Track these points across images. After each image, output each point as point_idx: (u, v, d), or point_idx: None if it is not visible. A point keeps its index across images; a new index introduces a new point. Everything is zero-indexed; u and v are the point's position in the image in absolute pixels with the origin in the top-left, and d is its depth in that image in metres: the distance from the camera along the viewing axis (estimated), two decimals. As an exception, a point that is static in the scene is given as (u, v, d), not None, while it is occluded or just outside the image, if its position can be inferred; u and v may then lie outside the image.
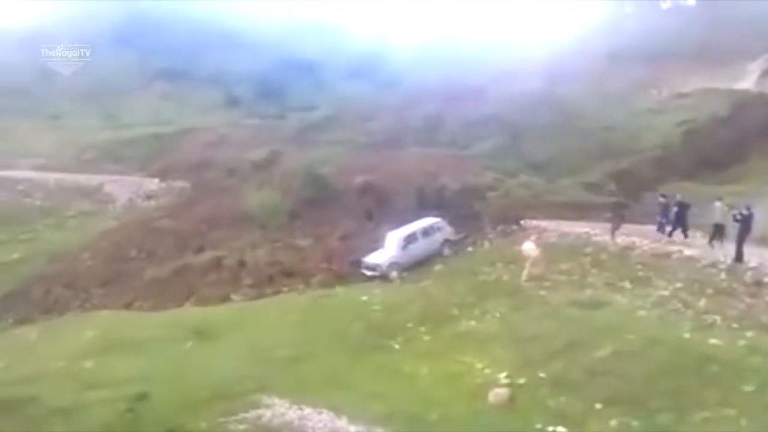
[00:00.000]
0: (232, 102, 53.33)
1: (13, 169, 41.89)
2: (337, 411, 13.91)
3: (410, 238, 24.93)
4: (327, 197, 30.05)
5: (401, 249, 24.60)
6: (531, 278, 20.28)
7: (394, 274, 24.02)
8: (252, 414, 14.04)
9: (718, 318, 16.33)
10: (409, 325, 18.47)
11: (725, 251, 19.95)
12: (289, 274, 25.85)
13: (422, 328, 18.25)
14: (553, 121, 35.43)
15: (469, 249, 25.79)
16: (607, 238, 22.82)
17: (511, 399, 14.09)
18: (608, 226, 23.37)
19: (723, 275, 18.80)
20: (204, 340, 18.22)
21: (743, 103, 38.77)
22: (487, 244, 25.85)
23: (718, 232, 20.50)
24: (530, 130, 34.96)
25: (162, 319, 20.83)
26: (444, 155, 33.41)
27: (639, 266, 20.37)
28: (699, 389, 13.31)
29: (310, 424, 13.64)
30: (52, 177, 40.99)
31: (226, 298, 24.26)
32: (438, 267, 24.29)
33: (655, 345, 14.89)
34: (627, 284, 19.18)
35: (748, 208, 19.39)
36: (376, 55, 49.73)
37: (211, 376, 15.71)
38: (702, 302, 17.24)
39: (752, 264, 18.97)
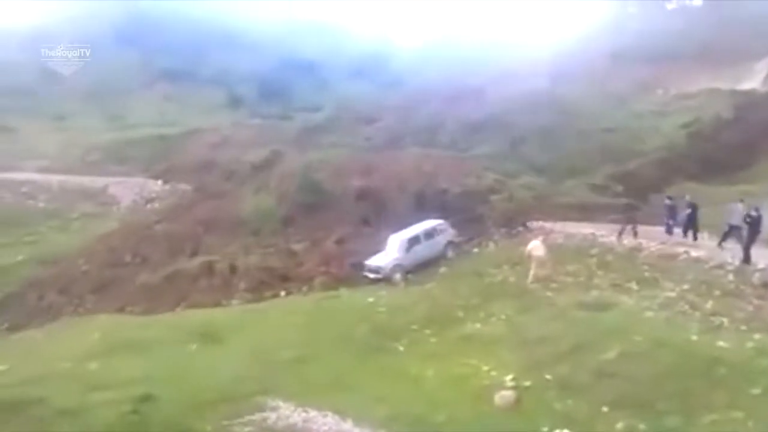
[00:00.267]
0: (236, 102, 53.54)
1: (16, 171, 41.96)
2: (342, 414, 13.82)
3: (414, 240, 24.78)
4: (323, 202, 29.65)
5: (405, 251, 24.47)
6: (537, 280, 20.19)
7: (397, 276, 23.93)
8: (257, 416, 13.97)
9: (725, 320, 16.23)
10: (415, 327, 18.39)
11: (735, 253, 19.75)
12: (285, 278, 25.58)
13: (427, 331, 18.17)
14: (555, 122, 35.26)
15: (474, 251, 25.71)
16: (613, 239, 22.72)
17: (518, 401, 14.02)
18: (615, 227, 23.27)
19: (731, 277, 18.67)
20: (208, 342, 18.15)
21: (750, 103, 38.62)
22: (492, 245, 25.75)
23: (735, 235, 20.18)
24: (532, 132, 34.78)
25: (166, 321, 20.78)
26: (444, 156, 33.14)
27: (646, 267, 20.26)
28: (707, 392, 13.23)
29: (315, 426, 13.55)
30: (55, 179, 41.06)
31: (217, 304, 23.89)
32: (443, 269, 24.22)
33: (662, 347, 14.80)
34: (634, 286, 19.06)
35: (757, 210, 19.28)
36: (378, 55, 49.88)
37: (216, 378, 15.65)
38: (709, 304, 17.14)
39: (760, 266, 18.82)
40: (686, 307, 17.19)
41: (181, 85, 55.39)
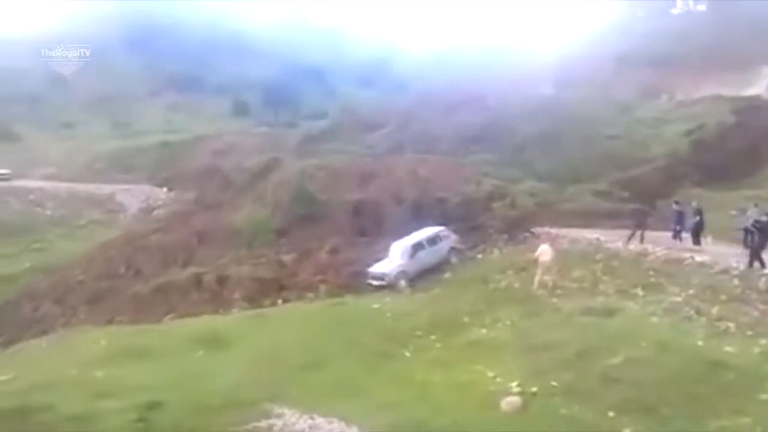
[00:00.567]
0: (242, 110, 53.70)
1: (24, 179, 42.25)
2: (348, 420, 13.79)
3: (417, 247, 24.79)
4: (317, 213, 29.49)
5: (409, 258, 24.48)
6: (542, 286, 20.18)
7: (402, 283, 23.92)
8: (263, 423, 13.97)
9: (731, 325, 16.16)
10: (420, 333, 18.42)
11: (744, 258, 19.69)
12: (281, 287, 25.51)
13: (433, 336, 18.19)
14: (559, 129, 35.10)
15: (479, 257, 25.70)
16: (619, 244, 22.70)
17: (524, 407, 13.99)
18: (622, 232, 23.21)
19: (736, 282, 18.62)
20: (214, 348, 18.20)
21: (754, 109, 38.47)
22: (496, 251, 25.75)
23: (751, 238, 20.09)
24: (535, 138, 34.64)
25: (172, 328, 20.86)
26: (442, 162, 33.02)
27: (651, 273, 20.23)
28: (713, 397, 13.15)
29: (321, 433, 13.58)
30: (63, 186, 41.33)
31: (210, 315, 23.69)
32: (447, 275, 24.24)
33: (668, 352, 14.75)
34: (639, 291, 19.04)
35: (766, 215, 19.23)
36: (384, 62, 50.03)
37: (222, 385, 15.67)
38: (715, 309, 17.09)
39: (766, 271, 18.76)
40: (692, 312, 17.14)
41: (188, 93, 55.72)
